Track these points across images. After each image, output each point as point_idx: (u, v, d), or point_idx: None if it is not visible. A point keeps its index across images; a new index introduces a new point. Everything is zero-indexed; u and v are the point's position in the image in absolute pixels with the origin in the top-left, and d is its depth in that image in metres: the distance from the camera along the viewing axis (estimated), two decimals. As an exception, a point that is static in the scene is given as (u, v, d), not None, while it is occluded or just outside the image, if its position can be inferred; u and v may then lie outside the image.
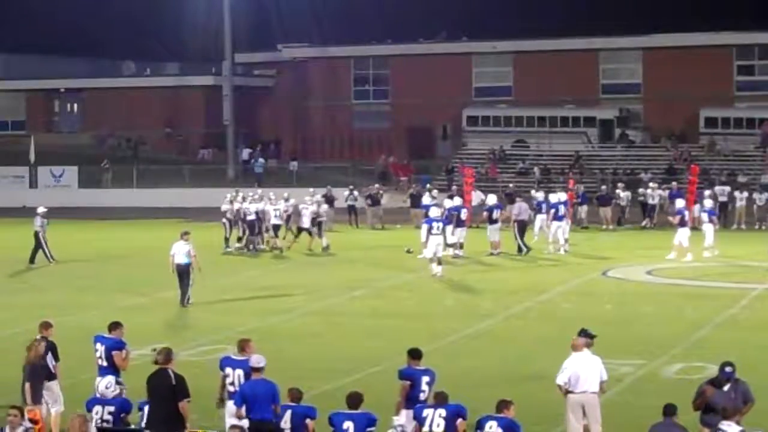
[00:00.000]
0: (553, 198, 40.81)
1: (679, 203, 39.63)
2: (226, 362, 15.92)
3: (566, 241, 39.92)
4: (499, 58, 76.43)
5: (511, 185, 55.88)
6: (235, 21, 72.14)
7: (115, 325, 17.84)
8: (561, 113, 69.54)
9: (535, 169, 64.31)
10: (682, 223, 37.76)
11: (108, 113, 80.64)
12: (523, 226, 39.54)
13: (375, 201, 51.23)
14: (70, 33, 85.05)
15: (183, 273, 28.87)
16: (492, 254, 38.88)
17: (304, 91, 79.75)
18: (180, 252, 28.96)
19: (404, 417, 15.15)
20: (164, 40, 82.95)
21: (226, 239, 41.42)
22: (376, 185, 54.41)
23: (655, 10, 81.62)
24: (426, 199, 43.33)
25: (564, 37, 73.96)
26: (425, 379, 15.47)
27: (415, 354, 15.75)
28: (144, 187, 66.43)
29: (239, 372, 15.57)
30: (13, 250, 42.86)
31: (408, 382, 15.40)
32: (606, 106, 71.58)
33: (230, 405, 15.51)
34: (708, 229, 38.78)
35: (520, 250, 39.06)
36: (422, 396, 15.32)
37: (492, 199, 40.33)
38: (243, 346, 15.84)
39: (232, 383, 15.61)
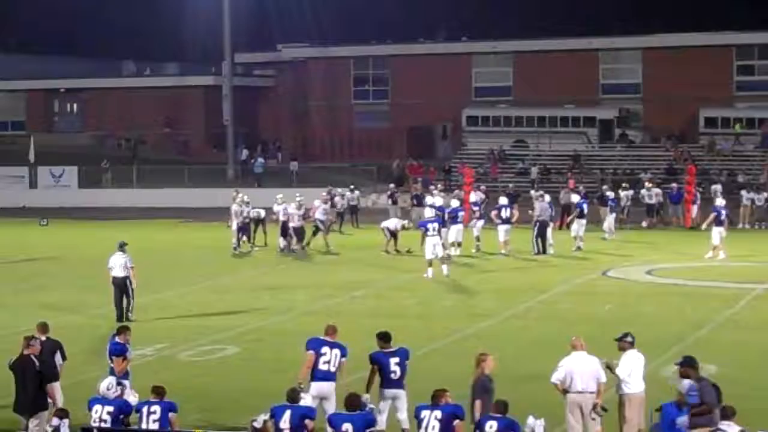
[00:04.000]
0: (575, 198, 42.40)
1: (719, 202, 39.55)
2: (323, 342, 16.79)
3: (581, 238, 40.46)
4: (499, 58, 76.47)
5: (511, 185, 55.88)
6: (235, 21, 72.14)
7: (122, 330, 17.90)
8: (561, 113, 69.54)
9: (533, 169, 64.33)
10: (718, 222, 37.74)
11: (108, 113, 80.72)
12: (543, 227, 39.56)
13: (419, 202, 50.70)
14: (70, 33, 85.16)
15: (121, 286, 27.29)
16: (502, 254, 38.87)
17: (304, 91, 79.78)
18: (117, 264, 27.44)
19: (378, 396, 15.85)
20: (164, 40, 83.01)
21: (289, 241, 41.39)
22: (418, 186, 54.74)
23: (655, 10, 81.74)
24: (436, 200, 43.26)
25: (564, 37, 74.00)
26: (394, 360, 16.29)
27: (384, 337, 16.59)
28: (144, 187, 66.42)
29: (336, 352, 16.63)
30: (13, 250, 42.87)
31: (376, 366, 16.28)
32: (606, 106, 71.60)
33: (313, 385, 16.31)
34: None
35: (543, 251, 39.09)
36: (393, 376, 16.21)
37: (503, 200, 40.37)
38: (334, 330, 16.99)
39: (328, 361, 16.55)
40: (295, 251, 40.25)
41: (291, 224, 40.25)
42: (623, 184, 52.00)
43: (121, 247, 27.71)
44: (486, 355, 15.97)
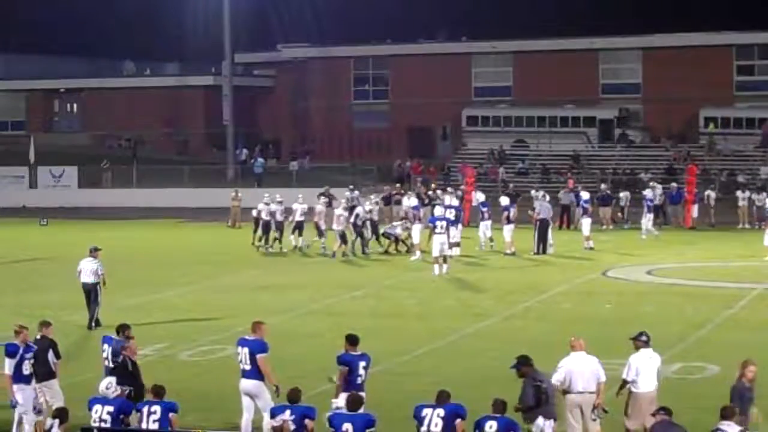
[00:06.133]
0: (584, 196, 42.86)
1: None
2: (238, 342, 17.05)
3: (588, 238, 40.78)
4: (499, 58, 76.48)
5: (511, 185, 55.88)
6: (235, 21, 72.15)
7: (123, 328, 17.91)
8: (561, 113, 69.56)
9: (501, 169, 64.20)
10: None
11: (108, 113, 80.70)
12: (544, 226, 39.63)
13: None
14: (70, 33, 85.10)
15: (90, 292, 26.38)
16: (506, 254, 38.94)
17: (304, 91, 79.78)
18: (87, 270, 26.52)
19: (342, 400, 15.73)
20: (164, 40, 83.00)
21: (264, 239, 41.10)
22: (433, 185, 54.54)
23: (655, 10, 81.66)
24: (411, 201, 43.15)
25: (564, 37, 74.01)
26: (362, 363, 16.39)
27: (352, 340, 16.70)
28: (144, 187, 66.43)
29: (246, 350, 16.65)
30: (13, 250, 42.87)
31: (346, 368, 16.28)
32: (606, 106, 71.60)
33: (241, 382, 16.73)
34: None
35: (543, 251, 39.15)
36: (359, 380, 16.22)
37: (506, 200, 40.41)
38: (255, 327, 16.97)
39: (241, 361, 16.74)
40: (346, 255, 39.18)
41: (336, 227, 39.29)
42: (602, 186, 51.92)
43: (92, 252, 26.82)
44: (749, 362, 15.55)
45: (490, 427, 13.90)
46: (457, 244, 38.66)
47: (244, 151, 74.36)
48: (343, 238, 39.09)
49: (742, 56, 72.37)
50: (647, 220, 44.73)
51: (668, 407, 14.10)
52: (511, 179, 62.21)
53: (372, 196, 43.89)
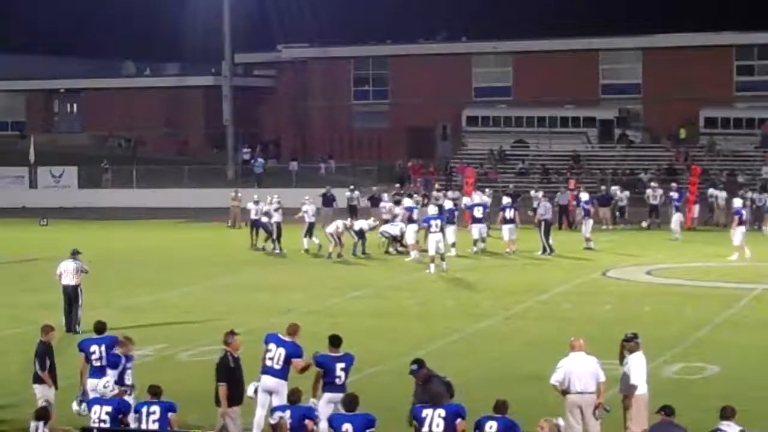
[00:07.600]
0: (584, 197, 43.18)
1: (737, 203, 39.69)
2: (272, 339, 17.05)
3: (588, 239, 40.88)
4: (499, 58, 76.46)
5: (511, 185, 55.83)
6: (235, 21, 72.14)
7: (103, 326, 17.91)
8: (561, 113, 69.54)
9: (474, 170, 64.13)
10: (741, 223, 37.83)
11: (108, 113, 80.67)
12: (548, 226, 39.72)
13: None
14: (70, 33, 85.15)
15: (71, 294, 26.08)
16: (507, 253, 39.03)
17: (304, 91, 79.75)
18: (68, 271, 26.28)
19: (321, 400, 16.01)
20: (164, 40, 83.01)
21: (273, 240, 40.91)
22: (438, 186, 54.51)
23: (655, 10, 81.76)
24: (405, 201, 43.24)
25: (564, 37, 73.99)
26: (339, 365, 16.37)
27: (333, 341, 16.73)
28: (144, 187, 66.46)
29: (282, 351, 16.77)
30: (13, 250, 42.86)
31: (320, 369, 16.37)
32: (606, 106, 71.59)
33: (261, 377, 16.84)
34: None
35: (544, 250, 39.26)
36: (338, 381, 16.23)
37: (506, 200, 40.48)
38: (292, 329, 17.09)
39: (272, 358, 16.85)
40: (341, 257, 38.90)
41: (327, 230, 39.15)
42: (602, 186, 51.81)
43: (73, 254, 26.64)
44: None
45: (490, 428, 13.89)
46: (453, 245, 38.62)
47: (245, 150, 74.36)
48: (339, 239, 39.09)
49: (742, 56, 72.34)
50: (674, 222, 44.48)
51: (671, 406, 14.08)
52: (510, 179, 62.12)
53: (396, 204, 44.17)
